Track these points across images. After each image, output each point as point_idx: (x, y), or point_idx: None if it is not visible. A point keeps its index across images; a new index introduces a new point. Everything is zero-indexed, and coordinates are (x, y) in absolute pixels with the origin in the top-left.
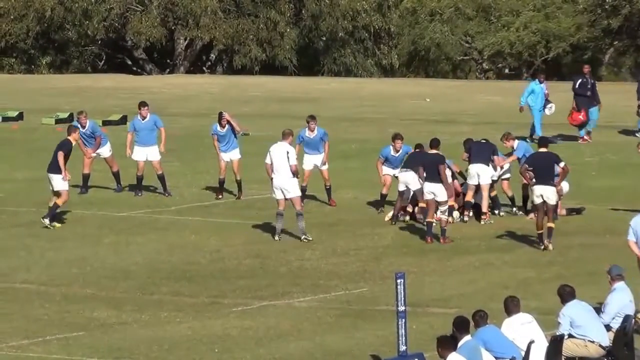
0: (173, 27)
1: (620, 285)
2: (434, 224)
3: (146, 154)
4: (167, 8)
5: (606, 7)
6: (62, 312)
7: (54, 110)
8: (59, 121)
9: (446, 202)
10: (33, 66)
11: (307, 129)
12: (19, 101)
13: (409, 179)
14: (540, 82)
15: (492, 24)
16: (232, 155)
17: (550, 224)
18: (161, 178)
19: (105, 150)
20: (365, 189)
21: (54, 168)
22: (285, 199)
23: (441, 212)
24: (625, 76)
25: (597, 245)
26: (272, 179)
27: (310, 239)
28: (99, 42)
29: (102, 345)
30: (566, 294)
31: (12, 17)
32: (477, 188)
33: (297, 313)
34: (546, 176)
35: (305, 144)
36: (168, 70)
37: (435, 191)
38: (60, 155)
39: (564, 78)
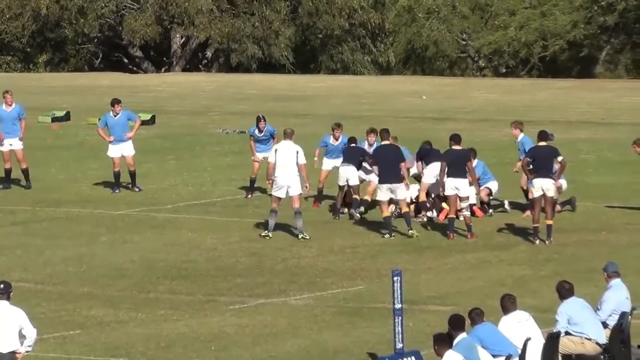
0: (169, 26)
1: (616, 282)
2: (455, 221)
3: (121, 150)
4: (161, 7)
5: (602, 3)
6: (59, 311)
7: (51, 109)
8: (55, 119)
9: (467, 198)
10: (31, 65)
11: (331, 136)
12: (15, 99)
13: (349, 174)
14: None
15: (488, 22)
16: (267, 155)
17: (549, 221)
18: (133, 174)
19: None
20: (362, 187)
21: (398, 178)
22: (287, 196)
23: (464, 208)
24: (621, 73)
25: (593, 242)
26: (274, 177)
27: (308, 237)
28: (95, 40)
29: (99, 344)
30: (565, 291)
31: (7, 16)
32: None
33: (293, 311)
34: (546, 169)
35: (327, 150)
36: (164, 68)
37: (459, 186)
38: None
39: (559, 76)
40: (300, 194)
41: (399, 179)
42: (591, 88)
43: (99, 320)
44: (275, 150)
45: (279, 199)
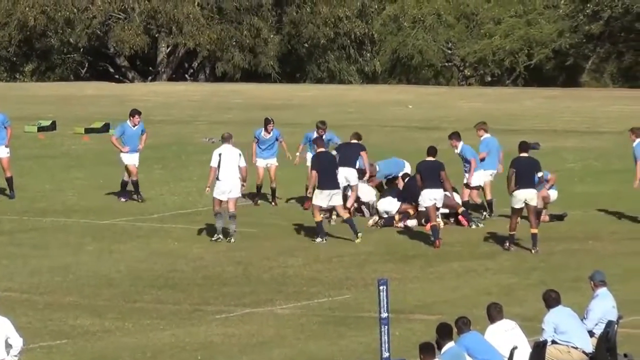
0: (156, 35)
1: (602, 291)
2: (438, 228)
3: (133, 159)
4: (149, 16)
5: (587, 12)
6: (45, 320)
7: (37, 118)
8: (41, 129)
9: (441, 206)
10: (17, 74)
11: (315, 133)
12: (1, 109)
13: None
14: None
15: (474, 31)
16: (270, 161)
17: (534, 230)
18: (136, 183)
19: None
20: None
21: (336, 184)
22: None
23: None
24: (606, 82)
25: (579, 251)
26: (217, 181)
27: (234, 240)
28: (82, 50)
29: (86, 353)
30: (551, 300)
31: None
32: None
33: (280, 320)
34: (528, 180)
35: (310, 147)
36: (150, 77)
37: (437, 197)
38: None
39: (545, 84)
40: (237, 198)
41: (337, 185)
42: (577, 97)
43: (85, 330)
44: (220, 154)
45: (221, 201)
